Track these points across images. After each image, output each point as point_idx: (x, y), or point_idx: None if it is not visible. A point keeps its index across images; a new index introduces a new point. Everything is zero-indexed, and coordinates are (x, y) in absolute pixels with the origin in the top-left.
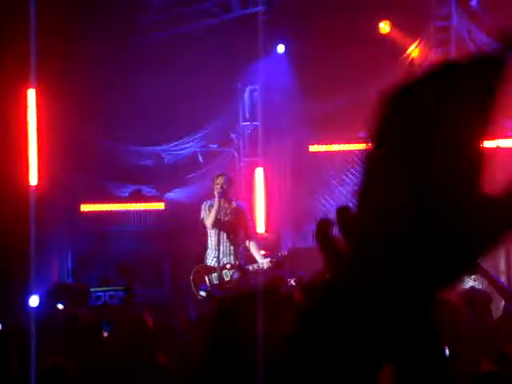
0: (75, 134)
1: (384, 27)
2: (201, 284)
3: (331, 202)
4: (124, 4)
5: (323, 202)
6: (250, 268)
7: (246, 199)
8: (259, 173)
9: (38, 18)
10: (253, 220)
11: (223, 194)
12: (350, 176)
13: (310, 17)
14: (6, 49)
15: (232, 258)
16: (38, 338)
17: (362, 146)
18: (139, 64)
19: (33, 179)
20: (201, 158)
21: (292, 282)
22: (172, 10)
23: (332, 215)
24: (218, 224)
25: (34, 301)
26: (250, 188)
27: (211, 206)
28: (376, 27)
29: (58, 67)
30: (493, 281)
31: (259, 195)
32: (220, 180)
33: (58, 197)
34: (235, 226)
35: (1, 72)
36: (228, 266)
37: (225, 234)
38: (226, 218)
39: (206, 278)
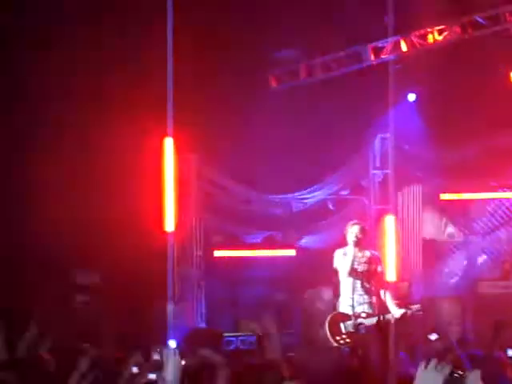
0: (210, 180)
1: None
2: (336, 331)
3: (462, 249)
4: (257, 56)
5: (454, 250)
6: (386, 317)
7: (376, 247)
8: (390, 220)
9: (176, 68)
10: (383, 268)
11: (358, 243)
12: (481, 224)
13: (440, 65)
14: (145, 98)
15: (366, 307)
16: None
17: (493, 195)
18: (270, 113)
19: (169, 226)
20: (331, 206)
21: (432, 336)
22: (303, 60)
23: (463, 264)
24: (352, 272)
25: (172, 345)
26: (381, 235)
27: (345, 254)
28: (508, 76)
29: (195, 116)
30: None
31: (390, 243)
32: (355, 229)
33: (192, 243)
34: (369, 275)
35: (139, 120)
36: (363, 314)
37: (359, 283)
38: (360, 267)
39: (342, 325)
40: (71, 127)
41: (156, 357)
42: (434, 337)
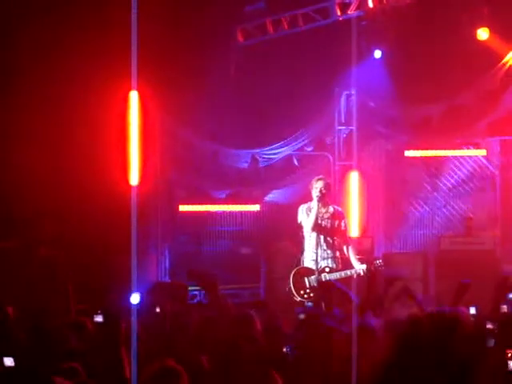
0: (175, 135)
1: (482, 34)
2: (300, 285)
3: (425, 207)
4: (225, 10)
5: (417, 206)
6: (349, 273)
7: (339, 202)
8: (354, 177)
9: (142, 22)
10: (347, 224)
11: (322, 199)
12: (444, 181)
13: (407, 22)
14: (111, 51)
15: (330, 261)
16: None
17: (457, 152)
18: (237, 69)
19: (134, 179)
20: (296, 162)
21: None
22: (271, 15)
23: (425, 220)
24: (316, 228)
25: (134, 298)
26: (344, 191)
27: (309, 209)
28: (474, 34)
29: (160, 71)
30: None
31: (353, 199)
32: (319, 184)
33: (158, 197)
34: (333, 231)
35: (105, 74)
36: (327, 269)
37: (322, 238)
38: (324, 223)
39: (306, 280)
40: (37, 79)
41: (98, 319)
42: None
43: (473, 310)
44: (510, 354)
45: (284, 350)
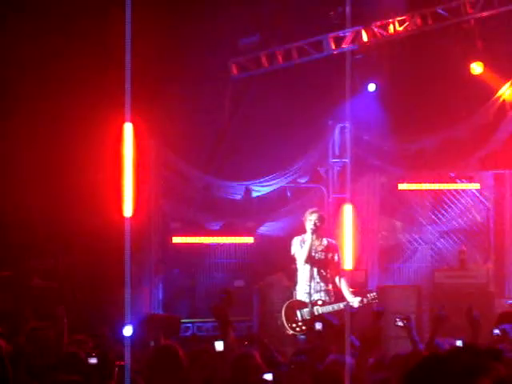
0: (169, 167)
1: (476, 68)
2: (292, 318)
3: (419, 240)
4: (219, 43)
5: (411, 239)
6: (342, 306)
7: (333, 235)
8: (347, 209)
9: (136, 55)
10: (340, 257)
11: (316, 231)
12: (438, 215)
13: (401, 56)
14: (104, 83)
15: (323, 294)
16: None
17: (451, 186)
18: (230, 101)
19: (127, 211)
20: (289, 194)
21: (399, 322)
22: (264, 48)
23: (419, 254)
24: (310, 260)
25: (127, 330)
26: (338, 224)
27: (303, 241)
28: (468, 68)
29: (155, 103)
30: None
31: (347, 232)
32: (313, 217)
33: (151, 229)
34: (326, 263)
35: (98, 106)
36: (320, 302)
37: (316, 270)
38: (318, 255)
39: (298, 313)
40: (31, 112)
41: (92, 361)
42: (400, 323)
43: (459, 343)
44: None
45: None
